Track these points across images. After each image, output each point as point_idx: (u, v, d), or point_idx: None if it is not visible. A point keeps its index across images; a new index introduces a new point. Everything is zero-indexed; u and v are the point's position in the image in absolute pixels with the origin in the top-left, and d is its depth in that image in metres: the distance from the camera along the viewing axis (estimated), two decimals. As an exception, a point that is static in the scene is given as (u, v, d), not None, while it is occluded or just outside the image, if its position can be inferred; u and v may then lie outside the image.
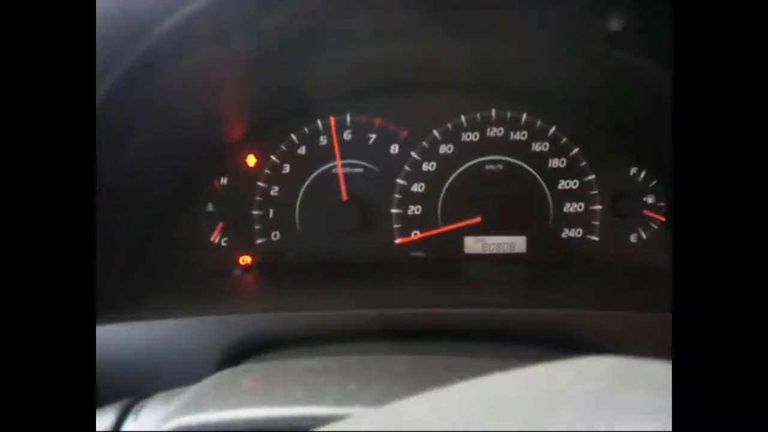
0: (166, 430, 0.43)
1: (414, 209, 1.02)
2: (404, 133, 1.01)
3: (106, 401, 0.59)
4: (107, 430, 0.53)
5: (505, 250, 1.01)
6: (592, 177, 0.99)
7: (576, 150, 0.99)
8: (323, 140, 1.02)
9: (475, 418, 0.27)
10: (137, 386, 0.64)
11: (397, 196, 1.02)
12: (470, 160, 1.00)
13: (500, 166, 1.00)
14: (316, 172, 1.02)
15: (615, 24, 0.70)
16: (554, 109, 0.98)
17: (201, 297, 0.84)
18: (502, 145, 1.00)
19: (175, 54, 0.67)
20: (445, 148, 1.01)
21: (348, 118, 1.01)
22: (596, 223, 0.99)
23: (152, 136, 0.81)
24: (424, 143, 1.01)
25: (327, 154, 1.02)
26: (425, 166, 1.01)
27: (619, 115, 0.97)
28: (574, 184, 0.99)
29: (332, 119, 1.01)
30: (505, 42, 0.84)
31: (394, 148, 1.01)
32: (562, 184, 0.99)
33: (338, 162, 1.00)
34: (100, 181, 0.71)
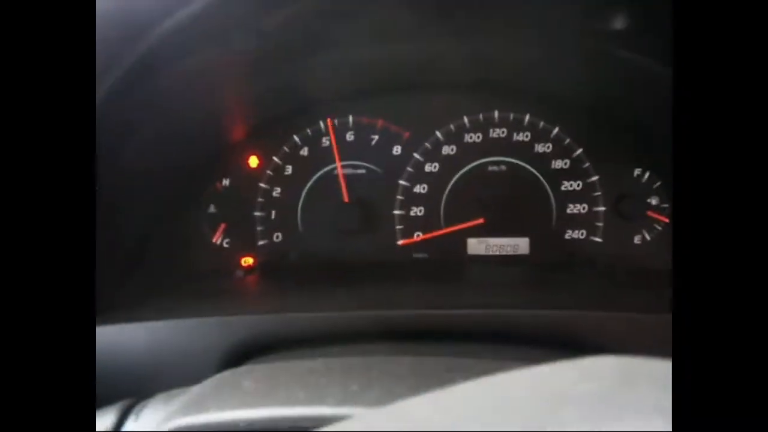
0: (167, 430, 0.43)
1: (417, 210, 1.02)
2: (407, 134, 1.01)
3: (107, 401, 0.59)
4: (108, 430, 0.52)
5: (508, 251, 1.00)
6: (595, 178, 0.98)
7: (579, 151, 0.98)
8: (325, 141, 1.02)
9: (478, 418, 0.27)
10: (138, 387, 0.64)
11: (399, 197, 1.02)
12: (473, 161, 1.00)
13: (503, 168, 1.00)
14: (319, 174, 1.02)
15: (618, 23, 0.70)
16: (557, 110, 0.98)
17: (202, 298, 0.84)
18: (504, 146, 1.00)
19: (175, 54, 0.67)
20: (447, 149, 1.01)
21: (350, 119, 1.01)
22: (600, 224, 0.99)
23: (153, 137, 0.81)
24: (427, 144, 1.01)
25: (329, 156, 1.02)
26: (428, 167, 1.01)
27: (622, 116, 0.96)
28: (578, 185, 0.99)
29: (329, 121, 1.01)
30: (508, 42, 0.84)
31: (397, 149, 1.01)
32: (566, 186, 0.99)
33: (338, 164, 1.00)
34: (102, 181, 0.71)
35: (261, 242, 1.03)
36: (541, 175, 0.99)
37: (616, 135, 0.98)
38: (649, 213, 0.97)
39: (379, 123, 1.01)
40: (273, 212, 1.02)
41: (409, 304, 0.72)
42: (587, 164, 0.98)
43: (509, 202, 0.99)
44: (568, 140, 0.99)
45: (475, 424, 0.27)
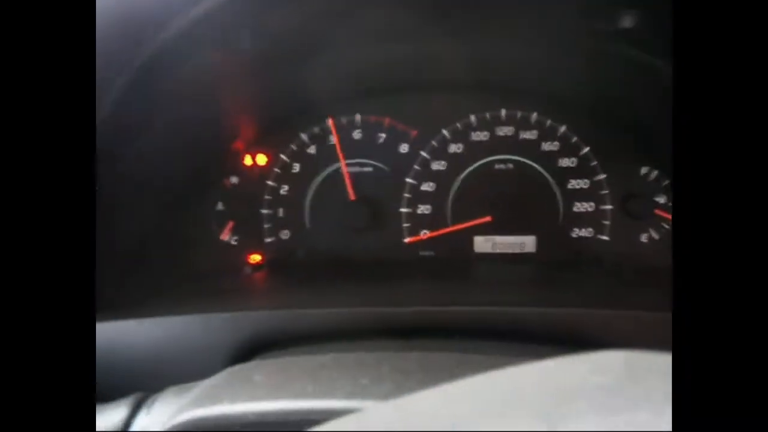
0: (180, 422, 0.43)
1: (423, 208, 1.02)
2: (414, 132, 1.01)
3: (118, 396, 0.60)
4: (120, 423, 0.53)
5: (515, 249, 1.01)
6: (602, 176, 0.98)
7: (586, 149, 0.98)
8: (332, 140, 1.02)
9: (488, 411, 0.27)
10: (148, 382, 0.65)
11: (406, 195, 1.02)
12: (480, 159, 1.00)
13: (510, 166, 1.00)
14: (326, 171, 1.02)
15: (624, 22, 0.70)
16: (565, 108, 0.98)
17: (211, 294, 0.84)
18: (512, 145, 1.00)
19: (182, 55, 0.68)
20: (454, 148, 1.01)
21: (357, 117, 1.02)
22: (607, 222, 0.99)
23: (161, 136, 0.82)
24: (434, 142, 1.01)
25: (336, 154, 1.02)
26: (435, 166, 1.01)
27: (630, 114, 0.96)
28: (585, 183, 0.99)
29: (332, 120, 1.01)
30: (515, 42, 0.84)
31: (404, 148, 1.02)
32: (573, 184, 0.99)
33: (342, 162, 1.01)
34: (112, 180, 0.72)
35: (269, 239, 1.03)
36: (548, 173, 0.99)
37: (623, 133, 0.98)
38: (657, 212, 0.97)
39: (386, 121, 1.01)
40: (281, 210, 1.03)
41: (416, 301, 0.72)
42: (594, 162, 0.98)
43: (516, 201, 0.99)
44: (575, 138, 0.99)
45: (484, 416, 0.27)
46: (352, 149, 1.02)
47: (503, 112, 1.00)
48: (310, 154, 1.02)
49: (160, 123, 0.79)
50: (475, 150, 1.00)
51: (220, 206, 1.03)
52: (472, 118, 1.00)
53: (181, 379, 0.64)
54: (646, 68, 0.77)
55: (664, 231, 0.98)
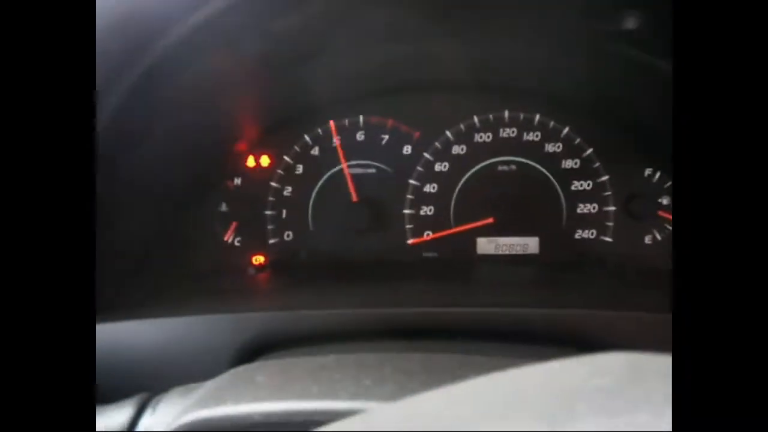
0: (185, 422, 0.44)
1: (426, 210, 1.02)
2: (417, 134, 1.01)
3: (121, 397, 0.60)
4: (125, 424, 0.54)
5: (518, 251, 1.01)
6: (605, 178, 0.98)
7: (589, 151, 0.98)
8: (336, 141, 1.03)
9: (490, 412, 0.28)
10: (152, 383, 0.65)
11: (409, 196, 1.02)
12: (483, 160, 1.00)
13: (513, 167, 1.00)
14: (329, 173, 1.03)
15: (627, 23, 0.70)
16: (568, 110, 0.98)
17: (214, 295, 0.85)
18: (515, 146, 1.00)
19: (186, 56, 0.68)
20: (457, 149, 1.01)
21: (360, 119, 1.02)
22: (610, 224, 0.99)
23: (165, 137, 0.82)
24: (437, 144, 1.01)
25: (339, 155, 1.02)
26: (438, 167, 1.02)
27: (633, 116, 0.96)
28: (588, 185, 0.99)
29: (332, 124, 1.01)
30: (518, 41, 0.85)
31: (407, 149, 1.02)
32: (576, 185, 0.99)
33: (343, 164, 1.01)
34: (116, 182, 0.72)
35: (272, 241, 1.04)
36: (552, 174, 0.99)
37: (626, 135, 0.98)
38: (660, 213, 0.97)
39: (390, 123, 1.02)
40: (284, 211, 1.03)
41: (419, 302, 0.73)
42: (597, 164, 0.98)
43: (519, 202, 0.99)
44: (578, 140, 0.99)
45: (487, 418, 0.27)
46: (355, 151, 1.02)
47: (506, 113, 1.00)
48: (313, 156, 1.03)
49: (162, 127, 0.80)
50: (478, 151, 1.00)
51: (223, 207, 1.03)
52: (475, 119, 1.00)
53: (185, 380, 0.64)
54: (648, 69, 0.78)
55: (667, 232, 0.98)
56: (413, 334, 0.66)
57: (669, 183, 0.97)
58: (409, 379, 0.45)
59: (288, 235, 1.04)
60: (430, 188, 1.02)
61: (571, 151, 0.99)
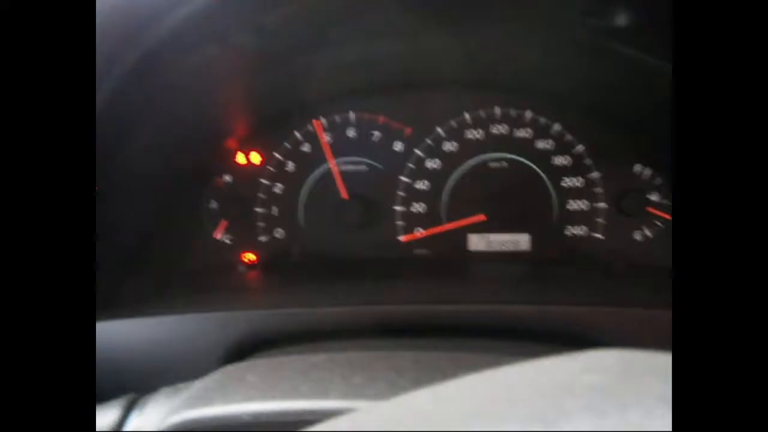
0: (173, 423, 0.43)
1: (418, 207, 1.02)
2: (408, 130, 1.01)
3: (110, 397, 0.60)
4: (112, 425, 0.53)
5: (509, 247, 1.01)
6: (596, 175, 0.98)
7: (581, 147, 0.98)
8: (327, 138, 1.02)
9: (480, 412, 0.27)
10: (142, 382, 0.64)
11: (400, 193, 1.02)
12: (474, 157, 1.00)
13: (504, 164, 1.00)
14: (320, 170, 1.02)
15: (618, 20, 0.70)
16: (559, 107, 0.98)
17: (204, 294, 0.84)
18: (506, 143, 1.00)
19: (176, 52, 0.67)
20: (449, 146, 1.01)
21: (351, 115, 1.01)
22: (601, 221, 0.99)
23: (155, 134, 0.81)
24: (428, 141, 1.01)
25: (331, 152, 1.02)
26: (429, 164, 1.01)
27: (623, 112, 0.96)
28: (579, 181, 0.99)
29: (315, 122, 1.00)
30: (509, 39, 0.84)
31: (398, 146, 1.01)
32: (567, 182, 0.99)
33: (331, 162, 1.00)
34: (103, 179, 0.71)
35: (262, 238, 1.03)
36: (543, 171, 0.99)
37: (617, 131, 0.98)
38: (650, 209, 0.97)
39: (381, 119, 1.01)
40: (274, 208, 1.03)
41: (411, 299, 0.72)
42: (589, 161, 0.98)
43: (510, 199, 0.99)
44: (569, 137, 0.99)
45: (476, 417, 0.27)
46: (346, 147, 1.01)
47: (497, 110, 1.00)
48: (304, 153, 1.02)
49: (149, 123, 0.79)
50: (469, 148, 1.00)
51: (213, 205, 1.02)
52: (467, 116, 1.00)
53: (175, 379, 0.64)
54: (639, 66, 0.78)
55: (657, 229, 0.98)
56: (405, 331, 0.66)
57: (659, 180, 0.98)
58: (399, 378, 0.44)
59: (279, 233, 1.03)
60: (421, 185, 1.02)
61: (562, 148, 0.99)
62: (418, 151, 1.01)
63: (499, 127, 1.00)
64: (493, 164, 1.00)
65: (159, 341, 0.71)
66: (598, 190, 0.99)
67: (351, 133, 1.02)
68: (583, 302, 0.71)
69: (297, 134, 1.02)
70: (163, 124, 0.81)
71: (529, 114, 0.99)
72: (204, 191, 1.02)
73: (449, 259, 1.01)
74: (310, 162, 1.02)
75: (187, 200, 1.01)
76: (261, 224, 1.03)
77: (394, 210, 1.02)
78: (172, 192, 0.95)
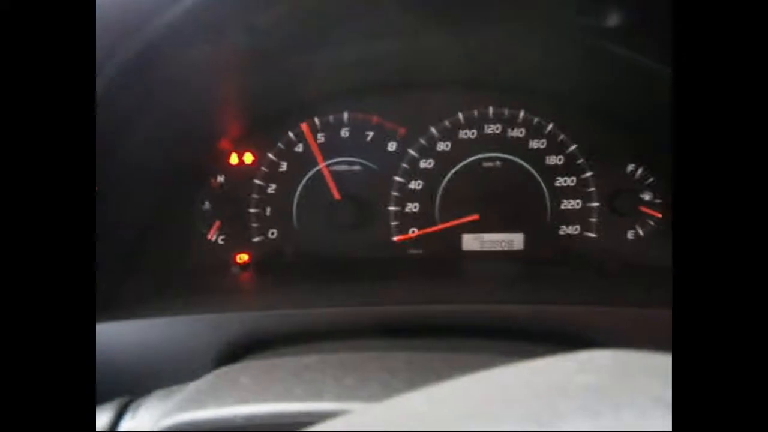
0: (165, 426, 0.43)
1: (412, 207, 1.02)
2: (402, 130, 1.01)
3: (103, 400, 0.59)
4: (105, 428, 0.52)
5: (503, 247, 1.01)
6: (589, 174, 0.99)
7: (573, 147, 0.99)
8: (321, 138, 1.02)
9: (474, 413, 0.27)
10: (134, 385, 0.64)
11: (394, 193, 1.02)
12: (468, 157, 1.00)
13: (498, 164, 1.00)
14: (313, 170, 1.02)
15: (611, 20, 0.70)
16: (552, 106, 0.98)
17: (198, 295, 0.83)
18: (499, 143, 1.00)
19: (172, 49, 0.67)
20: (442, 146, 1.01)
21: (345, 115, 1.01)
22: (594, 220, 1.00)
23: (147, 135, 0.81)
24: (422, 141, 1.01)
25: (324, 153, 1.01)
26: (423, 164, 1.01)
27: (616, 112, 0.97)
28: (572, 181, 0.99)
29: (304, 126, 1.00)
30: (503, 39, 0.84)
31: (392, 146, 1.01)
32: (560, 181, 0.99)
33: (321, 164, 1.00)
34: (102, 177, 0.70)
35: (256, 239, 1.02)
36: (536, 171, 1.00)
37: (609, 131, 0.98)
38: (642, 208, 0.98)
39: (374, 119, 1.01)
40: (268, 209, 1.02)
41: (405, 299, 0.72)
42: (581, 160, 0.99)
43: (504, 198, 0.99)
44: (562, 136, 0.99)
45: (472, 417, 0.27)
46: (339, 147, 1.01)
47: (491, 109, 1.00)
48: (297, 153, 1.02)
49: (146, 121, 0.78)
50: (463, 148, 1.00)
51: (206, 206, 1.02)
52: (460, 116, 1.00)
53: (169, 381, 0.64)
54: (634, 66, 0.78)
55: (649, 228, 0.99)
56: (399, 331, 0.65)
57: (651, 179, 0.98)
58: (393, 379, 0.44)
59: (272, 233, 1.03)
60: (415, 185, 1.02)
61: (555, 148, 0.99)
62: (411, 151, 1.01)
63: (493, 126, 1.00)
64: (486, 164, 1.00)
65: (152, 344, 0.71)
66: (591, 189, 0.99)
67: (345, 133, 1.01)
68: (577, 302, 0.71)
69: (290, 135, 1.01)
70: (158, 122, 0.81)
71: (522, 114, 0.99)
72: (197, 192, 1.01)
73: (443, 259, 1.01)
74: (303, 162, 1.01)
75: (180, 201, 1.01)
76: (254, 225, 1.02)
77: (388, 210, 1.02)
78: (165, 193, 0.95)
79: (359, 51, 0.87)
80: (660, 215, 0.98)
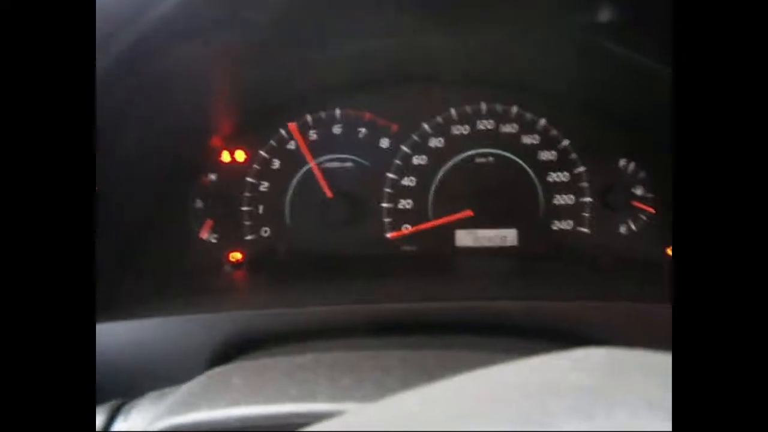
0: (158, 429, 0.42)
1: (405, 203, 1.02)
2: (394, 126, 1.01)
3: (96, 402, 0.59)
4: (97, 431, 0.52)
5: (497, 243, 1.01)
6: (582, 169, 0.99)
7: (566, 142, 0.99)
8: (313, 135, 1.01)
9: (469, 412, 0.27)
10: (126, 386, 0.63)
11: (387, 190, 1.01)
12: (461, 153, 1.00)
13: (491, 159, 1.00)
14: (306, 168, 1.01)
15: (604, 16, 0.70)
16: (544, 102, 0.98)
17: (191, 294, 0.83)
18: (492, 138, 1.00)
19: (161, 45, 0.66)
20: (435, 142, 1.01)
21: (337, 112, 1.01)
22: (586, 215, 1.00)
23: (141, 132, 0.80)
24: (415, 137, 1.01)
25: (317, 150, 1.01)
26: (416, 160, 1.01)
27: (608, 107, 0.97)
28: (565, 176, 0.99)
29: (291, 125, 0.99)
30: (495, 34, 0.84)
31: (385, 142, 1.01)
32: (553, 177, 1.00)
33: (312, 163, 1.00)
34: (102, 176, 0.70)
35: (249, 237, 1.02)
36: (529, 166, 1.00)
37: (602, 126, 0.98)
38: (635, 203, 0.98)
39: (367, 116, 1.01)
40: (260, 207, 1.02)
41: (399, 297, 0.72)
42: (574, 155, 0.99)
43: (497, 194, 0.99)
44: (555, 132, 0.99)
45: (465, 417, 0.27)
46: (332, 144, 1.01)
47: (483, 105, 1.00)
48: (290, 150, 1.01)
49: (132, 121, 0.77)
50: (455, 144, 1.00)
51: (198, 204, 1.01)
52: (453, 111, 1.00)
53: (162, 382, 0.63)
54: (626, 62, 0.78)
55: (642, 222, 0.99)
56: (393, 329, 0.65)
57: (643, 174, 0.98)
58: (387, 379, 0.44)
59: (265, 232, 1.02)
60: (408, 181, 1.01)
61: (547, 143, 0.99)
62: (404, 148, 1.01)
63: (485, 122, 1.00)
64: (479, 160, 1.00)
65: (144, 344, 0.70)
66: (584, 184, 0.99)
67: (337, 129, 1.01)
68: (571, 297, 0.71)
69: (282, 132, 1.01)
70: (150, 118, 0.80)
71: (515, 109, 0.99)
72: (189, 190, 1.01)
73: (437, 256, 1.01)
74: (295, 160, 1.01)
75: (172, 200, 1.00)
76: (247, 223, 1.02)
77: (381, 207, 1.02)
78: (157, 192, 0.94)
79: (352, 47, 0.87)
80: (652, 210, 0.98)
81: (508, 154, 1.00)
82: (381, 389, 0.42)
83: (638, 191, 0.99)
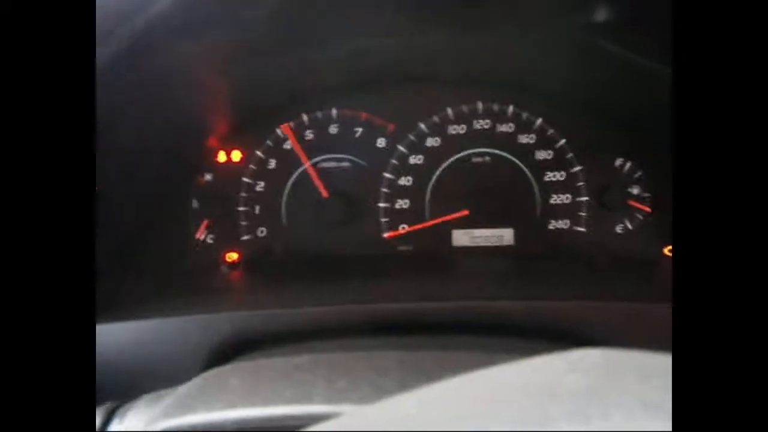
0: (153, 431, 0.42)
1: (401, 203, 1.02)
2: (391, 126, 1.01)
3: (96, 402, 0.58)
4: (92, 433, 0.52)
5: (493, 242, 1.01)
6: (578, 169, 0.99)
7: (562, 142, 0.99)
8: (309, 135, 1.01)
9: (465, 414, 0.27)
10: (123, 387, 0.63)
11: (384, 189, 1.01)
12: (457, 152, 1.00)
13: (487, 159, 1.00)
14: (302, 168, 1.01)
15: (602, 15, 0.70)
16: (541, 101, 0.98)
17: (187, 295, 0.83)
18: (489, 138, 1.00)
19: (158, 43, 0.66)
20: (432, 141, 1.01)
21: (334, 111, 1.00)
22: (583, 214, 1.00)
23: (138, 131, 0.80)
24: (411, 136, 1.00)
25: (313, 149, 1.01)
26: (412, 160, 1.01)
27: (605, 106, 0.97)
28: (561, 175, 1.00)
29: (286, 127, 0.99)
30: (496, 37, 0.84)
31: (381, 142, 1.01)
32: (549, 176, 1.00)
33: (306, 164, 0.99)
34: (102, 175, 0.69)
35: (245, 237, 1.02)
36: (525, 166, 1.00)
37: (598, 125, 0.98)
38: (631, 203, 0.98)
39: (363, 116, 1.00)
40: (257, 207, 1.01)
41: (396, 297, 0.72)
42: (570, 155, 0.99)
43: (494, 194, 0.99)
44: (551, 131, 0.99)
45: (462, 419, 0.26)
46: (328, 144, 1.00)
47: (480, 105, 1.00)
48: (286, 150, 1.01)
49: (128, 122, 0.77)
50: (452, 143, 1.00)
51: (194, 204, 1.01)
52: (449, 111, 1.00)
53: (158, 384, 0.63)
54: (623, 62, 0.78)
55: (638, 222, 1.00)
56: (390, 329, 0.65)
57: (639, 173, 0.99)
58: (384, 380, 0.44)
59: (262, 232, 1.02)
60: (404, 181, 1.01)
61: (544, 143, 0.99)
62: (401, 147, 1.01)
63: (482, 122, 1.00)
64: (476, 159, 1.00)
65: (141, 345, 0.70)
66: (581, 184, 0.99)
67: (333, 129, 1.01)
68: (567, 297, 0.71)
69: (278, 132, 1.01)
70: (147, 117, 0.80)
71: (511, 109, 0.99)
72: (185, 191, 1.00)
73: (433, 255, 1.01)
74: (292, 160, 1.01)
75: (168, 200, 0.99)
76: (243, 223, 1.01)
77: (378, 206, 1.02)
78: (152, 193, 0.94)
79: (349, 47, 0.86)
80: (648, 209, 0.99)
81: (504, 154, 1.00)
82: (378, 391, 0.42)
83: (635, 191, 0.99)
